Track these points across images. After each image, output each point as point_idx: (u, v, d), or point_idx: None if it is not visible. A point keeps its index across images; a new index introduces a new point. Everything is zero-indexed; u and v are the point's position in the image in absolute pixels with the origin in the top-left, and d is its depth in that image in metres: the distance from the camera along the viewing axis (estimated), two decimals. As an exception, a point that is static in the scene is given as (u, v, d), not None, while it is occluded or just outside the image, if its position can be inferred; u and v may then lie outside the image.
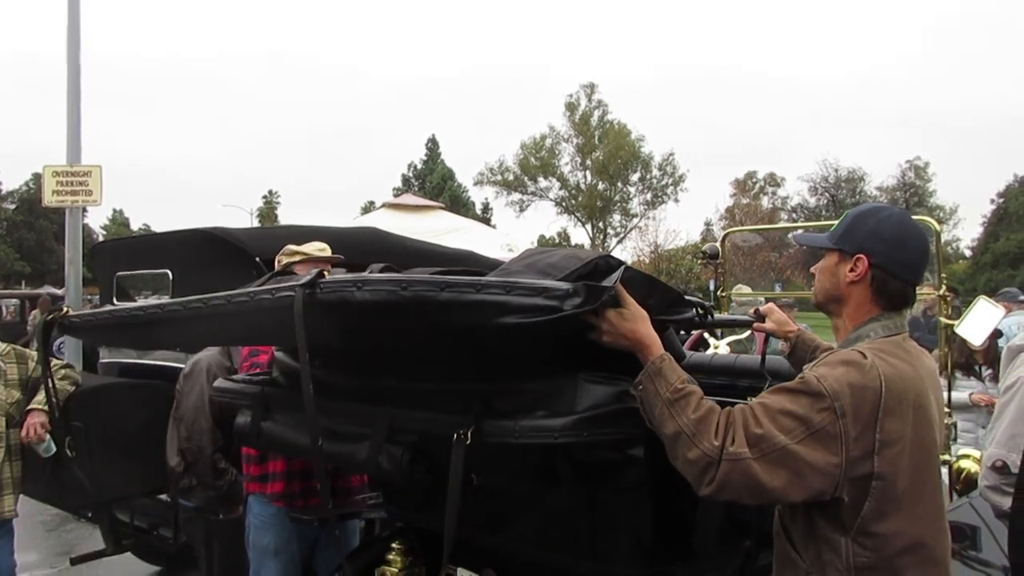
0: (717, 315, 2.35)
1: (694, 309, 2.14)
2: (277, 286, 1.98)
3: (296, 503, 3.42)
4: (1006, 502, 2.25)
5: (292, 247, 3.73)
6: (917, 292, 1.92)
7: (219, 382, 2.88)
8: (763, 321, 2.62)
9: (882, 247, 1.84)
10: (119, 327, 2.72)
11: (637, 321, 1.80)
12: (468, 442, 1.91)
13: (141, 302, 2.54)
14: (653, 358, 1.78)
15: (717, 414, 1.71)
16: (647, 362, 1.78)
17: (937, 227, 4.12)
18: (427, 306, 1.75)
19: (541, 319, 1.69)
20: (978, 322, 3.77)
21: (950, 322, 3.87)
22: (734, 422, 1.68)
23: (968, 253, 54.48)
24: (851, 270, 1.87)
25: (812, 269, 2.03)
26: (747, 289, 9.18)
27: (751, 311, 2.69)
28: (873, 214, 1.91)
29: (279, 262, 3.71)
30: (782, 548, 1.88)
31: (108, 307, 2.63)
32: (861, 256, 1.85)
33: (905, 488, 1.69)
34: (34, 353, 4.18)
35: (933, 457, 1.76)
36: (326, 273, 1.92)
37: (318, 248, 3.73)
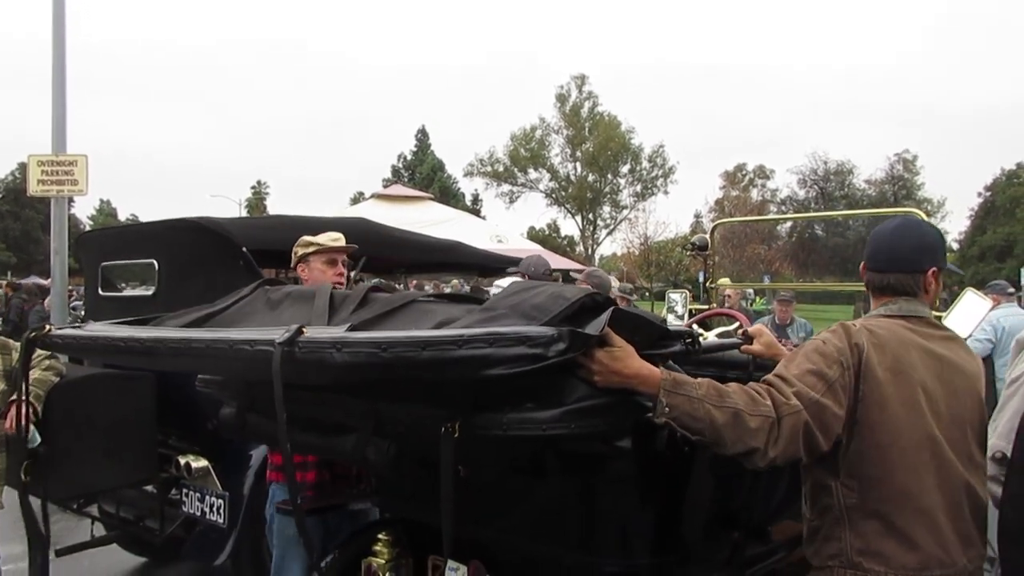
0: (703, 342, 2.32)
1: (682, 341, 2.11)
2: (256, 339, 1.96)
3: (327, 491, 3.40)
4: None
5: (307, 238, 3.68)
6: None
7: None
8: (751, 343, 2.59)
9: (865, 248, 2.19)
10: (100, 351, 2.69)
11: (628, 359, 1.83)
12: (456, 435, 1.90)
13: (123, 332, 2.52)
14: (662, 377, 1.83)
15: (748, 386, 1.89)
16: (657, 384, 1.82)
17: (925, 219, 4.13)
18: (408, 366, 1.74)
19: (526, 368, 1.67)
20: (966, 314, 3.79)
21: (939, 314, 3.89)
22: (773, 385, 1.89)
23: (955, 246, 54.80)
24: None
25: None
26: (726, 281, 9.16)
27: (739, 332, 2.66)
28: None
29: (295, 254, 3.68)
30: (803, 507, 2.12)
31: (90, 331, 2.61)
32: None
33: (887, 439, 1.91)
34: (18, 344, 4.15)
35: (918, 415, 1.94)
36: (304, 330, 1.91)
37: (332, 238, 3.69)
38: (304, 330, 1.91)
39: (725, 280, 12.56)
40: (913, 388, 1.94)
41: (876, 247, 2.15)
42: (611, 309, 1.84)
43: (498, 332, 1.72)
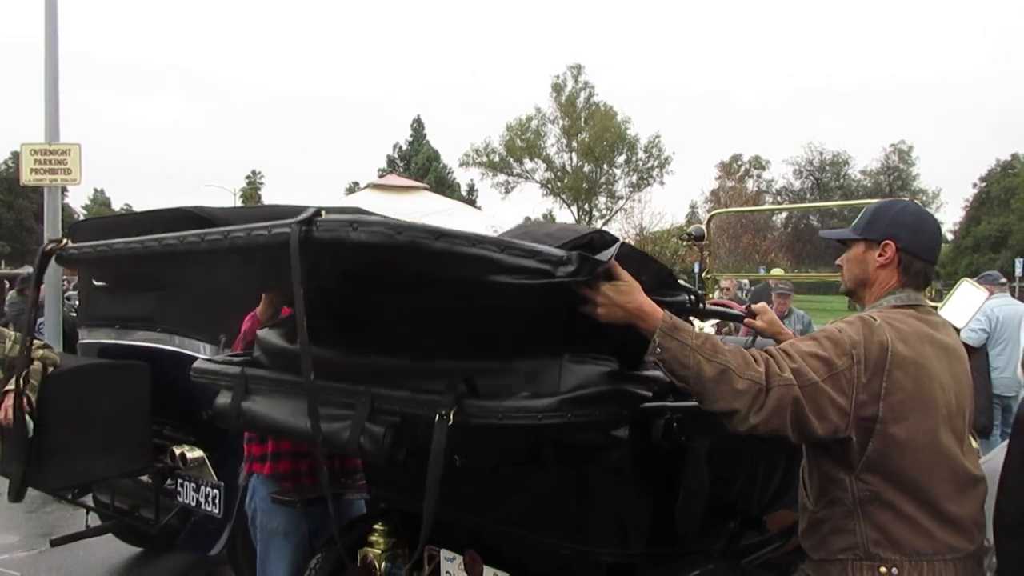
0: (708, 304, 2.34)
1: (686, 294, 2.12)
2: (273, 223, 1.94)
3: (303, 481, 3.37)
4: None
5: None
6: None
7: (199, 363, 2.83)
8: (754, 317, 2.65)
9: (905, 232, 2.06)
10: (116, 260, 2.65)
11: (633, 293, 1.84)
12: (451, 422, 1.89)
13: (141, 237, 2.47)
14: (662, 317, 1.83)
15: (748, 351, 1.85)
16: (657, 324, 1.82)
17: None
18: (420, 252, 1.72)
19: (532, 282, 1.67)
20: (962, 304, 3.79)
21: (934, 304, 3.89)
22: (773, 356, 1.84)
23: (950, 237, 54.92)
24: (880, 255, 2.08)
25: (839, 261, 2.23)
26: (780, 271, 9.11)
27: (743, 308, 2.71)
28: (891, 206, 2.17)
29: None
30: (801, 499, 2.10)
31: (108, 241, 2.56)
32: (888, 242, 2.06)
33: (906, 434, 1.88)
34: (11, 333, 4.13)
35: (934, 411, 1.93)
36: (323, 212, 1.89)
37: None
38: (322, 212, 1.90)
39: (778, 271, 12.51)
40: (932, 383, 1.93)
41: (933, 237, 2.11)
42: (619, 243, 1.86)
43: (511, 241, 1.74)
